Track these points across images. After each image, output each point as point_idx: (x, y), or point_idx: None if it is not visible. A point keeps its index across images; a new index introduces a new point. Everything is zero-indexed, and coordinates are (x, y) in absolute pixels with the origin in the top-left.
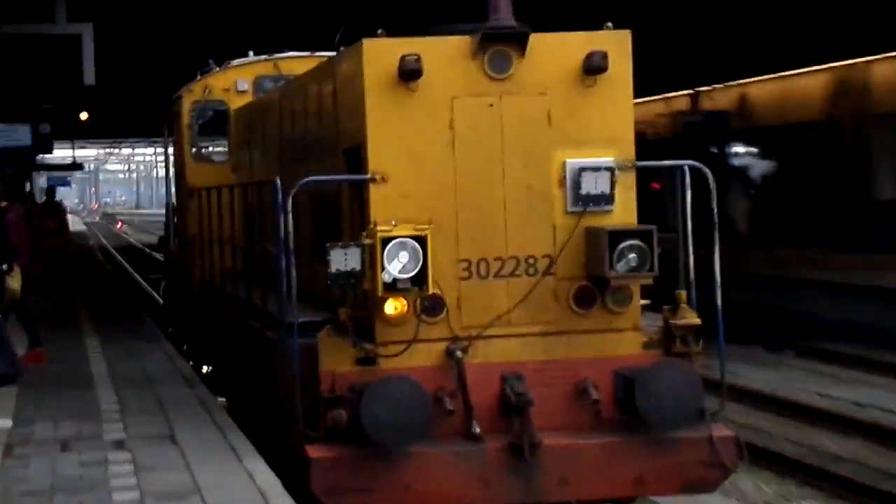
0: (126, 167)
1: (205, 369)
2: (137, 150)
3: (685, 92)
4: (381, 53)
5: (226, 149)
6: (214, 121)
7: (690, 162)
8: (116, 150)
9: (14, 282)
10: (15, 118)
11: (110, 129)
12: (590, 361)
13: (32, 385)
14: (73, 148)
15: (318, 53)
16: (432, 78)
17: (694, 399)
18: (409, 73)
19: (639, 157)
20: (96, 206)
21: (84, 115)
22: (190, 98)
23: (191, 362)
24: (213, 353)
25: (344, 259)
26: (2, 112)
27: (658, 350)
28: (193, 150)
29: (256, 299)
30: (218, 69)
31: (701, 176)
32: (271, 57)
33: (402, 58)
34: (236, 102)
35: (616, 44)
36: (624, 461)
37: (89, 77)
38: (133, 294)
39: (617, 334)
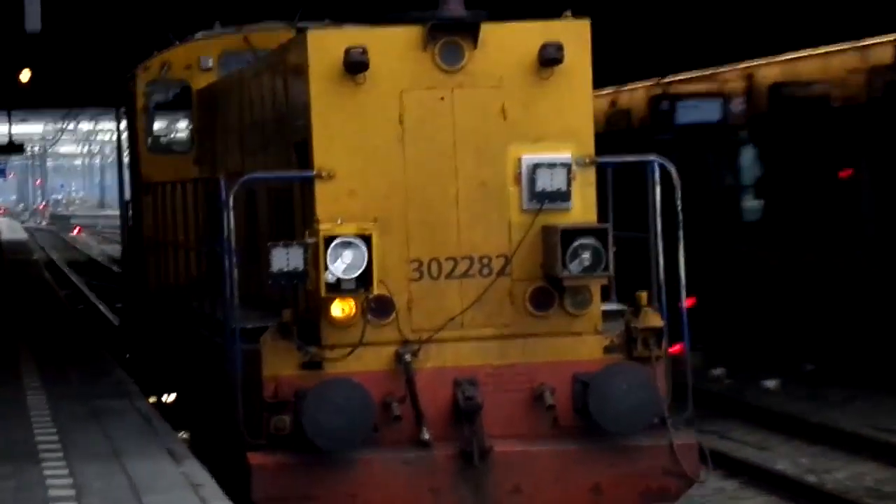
0: (85, 149)
1: (166, 398)
2: (102, 126)
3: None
4: (326, 45)
5: (187, 137)
6: (174, 104)
7: (657, 158)
8: (71, 126)
9: None
10: None
11: (63, 96)
12: (547, 366)
13: None
14: (10, 122)
15: (299, 24)
16: (380, 70)
17: (651, 404)
18: (355, 65)
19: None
20: (43, 205)
21: (25, 75)
22: (145, 77)
23: (152, 396)
24: (171, 371)
25: (286, 258)
26: None
27: (620, 354)
28: (149, 138)
29: (206, 305)
30: (178, 43)
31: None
32: (240, 29)
33: (347, 50)
34: (200, 83)
35: (574, 34)
36: (580, 469)
37: (33, 21)
38: (95, 329)
39: (576, 338)
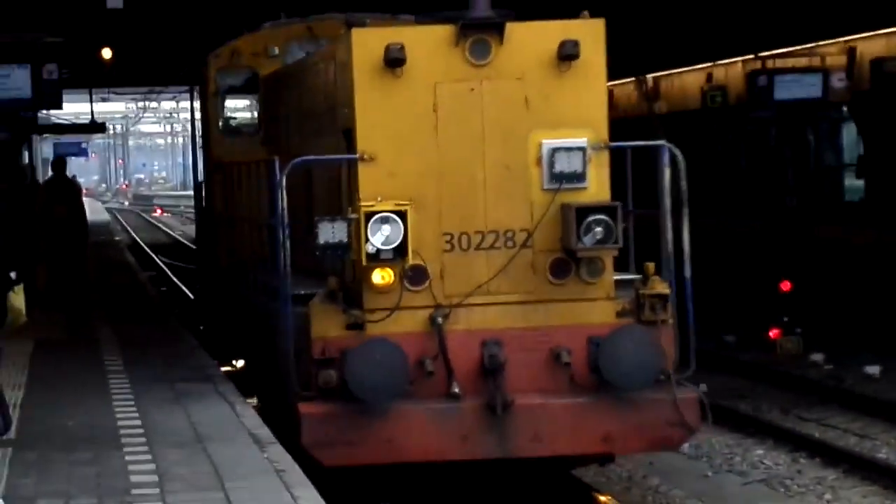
0: (167, 128)
1: (239, 363)
2: (184, 104)
3: None
4: (368, 42)
5: (255, 120)
6: (243, 88)
7: (667, 143)
8: (154, 104)
9: (17, 299)
10: (8, 57)
11: (145, 74)
12: (565, 328)
13: (33, 444)
14: (92, 101)
15: (356, 15)
16: (416, 65)
17: (655, 362)
18: (393, 60)
19: None
20: (125, 185)
21: (107, 53)
22: (216, 64)
23: (223, 362)
24: (239, 339)
25: (332, 232)
26: None
27: (630, 318)
28: (221, 121)
29: (266, 275)
30: (247, 32)
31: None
32: (304, 20)
33: (388, 46)
34: (266, 69)
35: (590, 32)
36: (592, 420)
37: None
38: (180, 311)
39: (591, 303)
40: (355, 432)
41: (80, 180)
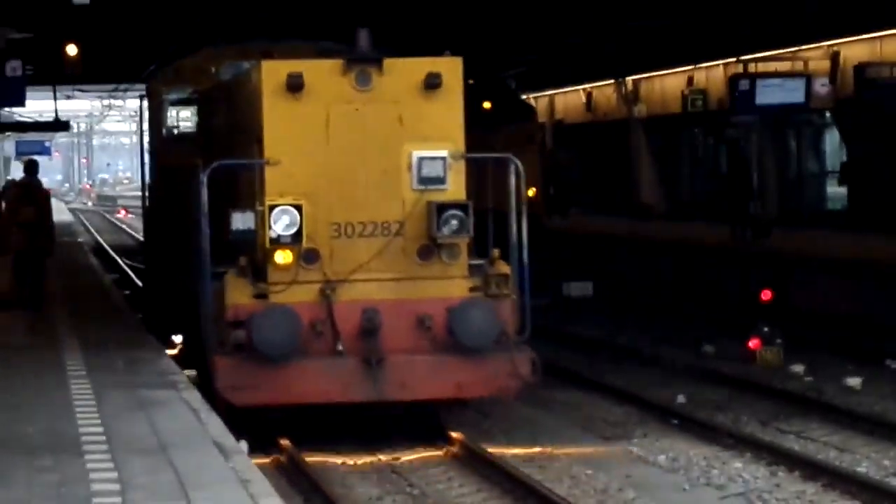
0: (134, 127)
1: (175, 339)
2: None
3: None
4: (275, 71)
5: (195, 130)
6: (185, 102)
7: (511, 157)
8: (119, 103)
9: None
10: None
11: (110, 71)
12: (429, 300)
13: None
14: (55, 98)
15: (291, 42)
16: (313, 89)
17: (496, 326)
18: (294, 86)
19: None
20: (88, 185)
21: (72, 50)
22: (162, 79)
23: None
24: (176, 313)
25: (242, 220)
26: None
27: (480, 292)
28: (164, 130)
29: (193, 259)
30: (188, 56)
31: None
32: (240, 45)
33: (289, 74)
34: (204, 86)
35: (450, 67)
36: (447, 372)
37: None
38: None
39: (449, 280)
40: (259, 379)
41: (44, 180)
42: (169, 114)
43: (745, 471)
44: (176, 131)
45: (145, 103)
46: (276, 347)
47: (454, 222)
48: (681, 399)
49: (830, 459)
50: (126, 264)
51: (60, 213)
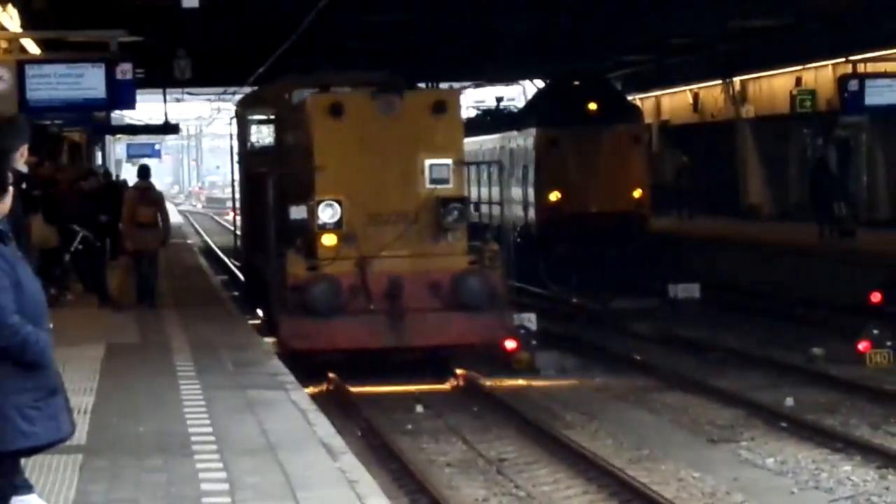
0: None
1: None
2: None
3: None
4: (322, 101)
5: (273, 144)
6: (264, 122)
7: (498, 161)
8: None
9: None
10: (82, 56)
11: (219, 75)
12: (438, 271)
13: (103, 450)
14: (165, 101)
15: (346, 73)
16: (350, 113)
17: (488, 290)
18: (335, 111)
19: None
20: (198, 187)
21: (182, 54)
22: (245, 103)
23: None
24: (257, 285)
25: (298, 212)
26: (63, 46)
27: (477, 265)
28: (249, 143)
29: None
30: (269, 84)
31: None
32: (308, 75)
33: (332, 103)
34: (279, 110)
35: (452, 96)
36: (452, 324)
37: None
38: (250, 316)
39: (454, 256)
40: (312, 330)
41: (153, 182)
42: (252, 131)
43: (854, 474)
44: (257, 146)
45: (234, 122)
46: (324, 307)
47: (455, 212)
48: (789, 402)
49: None
50: (234, 265)
51: (171, 215)
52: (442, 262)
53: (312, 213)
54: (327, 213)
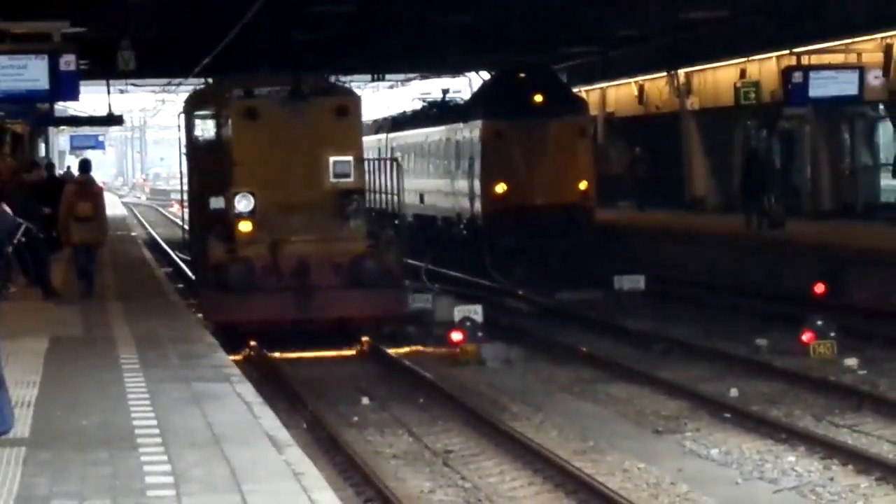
0: None
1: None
2: None
3: None
4: (239, 106)
5: (215, 140)
6: (207, 117)
7: (394, 158)
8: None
9: None
10: (25, 47)
11: (164, 66)
12: (340, 253)
13: (47, 443)
14: (109, 93)
15: (272, 76)
16: (265, 117)
17: (386, 270)
18: (251, 115)
19: None
20: (143, 179)
21: (126, 45)
22: (191, 101)
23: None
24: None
25: (217, 202)
26: (5, 37)
27: (374, 249)
28: (192, 139)
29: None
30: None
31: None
32: (242, 76)
33: (247, 108)
34: (217, 108)
35: (353, 101)
36: (352, 300)
37: None
38: (193, 308)
39: (353, 240)
40: (230, 305)
41: (97, 174)
42: (194, 127)
43: (798, 465)
44: (199, 141)
45: (182, 118)
46: (240, 284)
47: (354, 203)
48: (734, 393)
49: (884, 453)
50: (179, 258)
51: (114, 207)
52: (343, 245)
53: (230, 202)
54: (243, 203)
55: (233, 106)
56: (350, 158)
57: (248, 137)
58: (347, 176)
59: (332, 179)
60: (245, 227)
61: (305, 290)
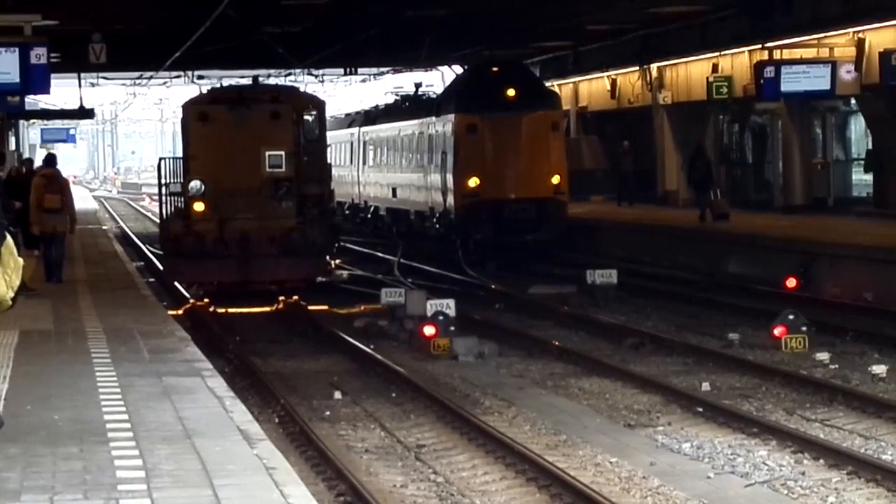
0: (158, 115)
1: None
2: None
3: None
4: (193, 110)
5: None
6: (198, 118)
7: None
8: (143, 90)
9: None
10: None
11: (135, 60)
12: (276, 228)
13: (17, 438)
14: (80, 86)
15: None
16: (215, 119)
17: (310, 242)
18: (203, 118)
19: None
20: (114, 172)
21: (98, 38)
22: (186, 107)
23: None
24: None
25: (176, 187)
26: None
27: (302, 225)
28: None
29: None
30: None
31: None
32: (213, 92)
33: (201, 112)
34: (186, 116)
35: (286, 106)
36: (285, 266)
37: None
38: (166, 302)
39: (286, 219)
40: (186, 269)
41: (68, 167)
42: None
43: (769, 459)
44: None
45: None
46: (193, 253)
47: (284, 188)
48: (705, 387)
49: (856, 447)
50: (150, 251)
51: (85, 200)
52: (277, 222)
53: (186, 187)
54: (196, 187)
55: (190, 111)
56: (282, 153)
57: (200, 136)
58: (280, 167)
59: (268, 169)
60: (198, 206)
61: (246, 257)
